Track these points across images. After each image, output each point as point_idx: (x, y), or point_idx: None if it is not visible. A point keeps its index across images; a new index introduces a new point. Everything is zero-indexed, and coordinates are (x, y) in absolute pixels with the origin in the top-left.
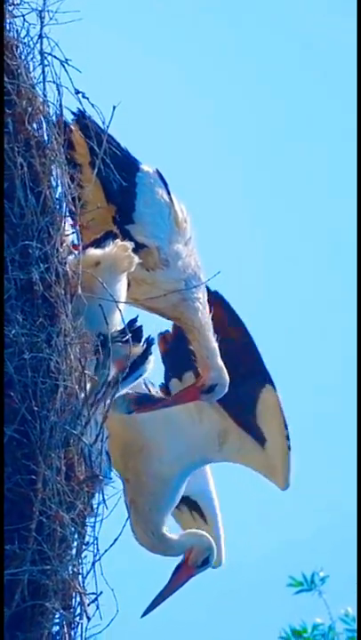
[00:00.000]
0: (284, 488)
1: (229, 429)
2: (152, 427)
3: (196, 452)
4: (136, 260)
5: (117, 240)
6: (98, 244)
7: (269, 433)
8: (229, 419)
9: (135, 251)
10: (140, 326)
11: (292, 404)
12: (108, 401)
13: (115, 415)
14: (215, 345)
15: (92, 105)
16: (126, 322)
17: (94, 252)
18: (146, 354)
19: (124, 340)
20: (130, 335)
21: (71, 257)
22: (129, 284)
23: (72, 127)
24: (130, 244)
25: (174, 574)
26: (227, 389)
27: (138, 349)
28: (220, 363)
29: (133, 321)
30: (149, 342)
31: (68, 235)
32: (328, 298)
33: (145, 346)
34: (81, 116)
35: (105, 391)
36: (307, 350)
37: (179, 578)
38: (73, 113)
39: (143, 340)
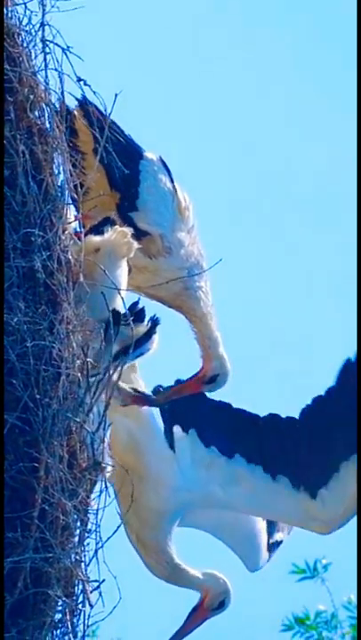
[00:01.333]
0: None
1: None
2: (156, 458)
3: (196, 493)
4: (135, 245)
5: (116, 226)
6: (96, 230)
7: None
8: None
9: (138, 238)
10: (143, 307)
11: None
12: (111, 388)
13: (120, 438)
14: (218, 334)
15: (94, 92)
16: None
17: (94, 238)
18: (150, 332)
19: (127, 322)
20: (132, 317)
21: (73, 244)
22: (130, 271)
23: (75, 114)
24: (129, 230)
25: (190, 616)
26: (229, 379)
27: (142, 329)
28: (223, 352)
29: (135, 304)
30: (154, 322)
31: (70, 222)
32: (330, 286)
33: (149, 324)
34: (84, 103)
35: (107, 377)
36: (305, 341)
37: (194, 620)
38: (76, 99)
39: (147, 319)
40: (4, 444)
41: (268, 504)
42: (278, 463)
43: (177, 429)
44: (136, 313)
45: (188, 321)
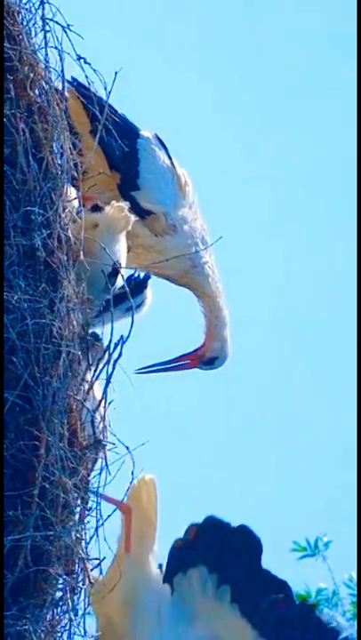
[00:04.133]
0: None
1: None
2: (142, 622)
3: None
4: (132, 218)
5: (113, 202)
6: (94, 209)
7: None
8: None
9: (142, 217)
10: (142, 278)
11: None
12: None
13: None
14: (226, 313)
15: (94, 70)
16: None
17: (92, 214)
18: (141, 286)
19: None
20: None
21: (72, 222)
22: (129, 250)
23: (68, 95)
24: (126, 204)
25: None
26: (226, 362)
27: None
28: (227, 335)
29: (131, 275)
30: (146, 277)
31: (70, 200)
32: (335, 271)
33: (143, 279)
34: (77, 84)
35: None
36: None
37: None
38: (68, 82)
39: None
40: (4, 422)
41: None
42: None
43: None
44: (136, 284)
45: (196, 297)
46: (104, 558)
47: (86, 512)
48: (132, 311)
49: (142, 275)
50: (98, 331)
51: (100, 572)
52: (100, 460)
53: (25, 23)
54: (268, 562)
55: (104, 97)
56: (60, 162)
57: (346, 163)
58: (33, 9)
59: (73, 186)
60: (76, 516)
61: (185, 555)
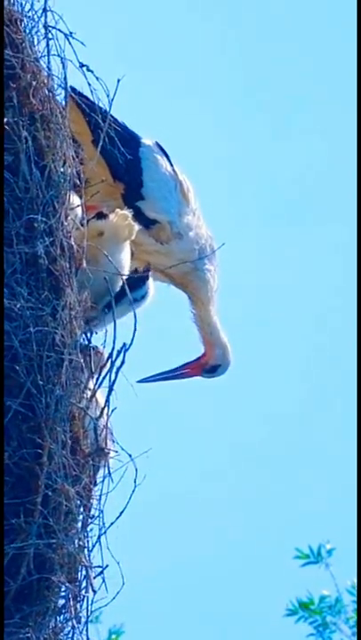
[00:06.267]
0: None
1: None
2: None
3: None
4: (136, 227)
5: (117, 209)
6: (99, 216)
7: None
8: None
9: (147, 227)
10: (142, 270)
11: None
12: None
13: None
14: (216, 319)
15: (97, 78)
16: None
17: (97, 222)
18: (143, 278)
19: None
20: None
21: (75, 230)
22: (132, 256)
23: (69, 104)
24: (129, 212)
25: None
26: (228, 369)
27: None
28: (224, 339)
29: (134, 271)
30: (146, 270)
31: (72, 208)
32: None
33: (143, 271)
34: (79, 93)
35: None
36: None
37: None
38: (70, 90)
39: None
40: (7, 430)
41: None
42: None
43: None
44: (136, 279)
45: (189, 301)
46: (107, 566)
47: (89, 520)
48: (132, 305)
49: (142, 268)
50: (99, 330)
51: (103, 580)
52: (102, 468)
53: (27, 31)
54: (272, 569)
55: (106, 104)
56: (62, 169)
57: (346, 161)
58: (35, 17)
59: (75, 193)
60: (79, 524)
61: None
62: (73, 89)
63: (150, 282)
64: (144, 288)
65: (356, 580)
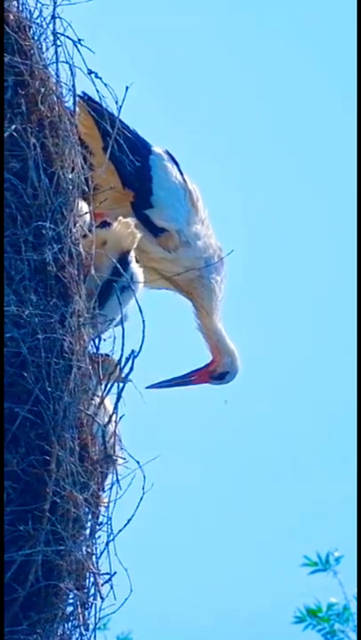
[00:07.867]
0: None
1: None
2: None
3: None
4: (139, 236)
5: (120, 218)
6: (104, 225)
7: None
8: None
9: (155, 235)
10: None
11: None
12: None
13: None
14: (220, 326)
15: (105, 85)
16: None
17: (101, 231)
18: (124, 262)
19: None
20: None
21: (83, 237)
22: (138, 261)
23: (79, 110)
24: (133, 220)
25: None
26: (236, 376)
27: None
28: (232, 346)
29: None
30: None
31: (81, 215)
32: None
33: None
34: (89, 99)
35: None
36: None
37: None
38: (80, 96)
39: None
40: (11, 436)
41: None
42: None
43: None
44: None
45: (193, 310)
46: (115, 573)
47: (97, 527)
48: (119, 295)
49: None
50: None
51: (111, 587)
52: (110, 475)
53: (36, 38)
54: (280, 576)
55: (115, 111)
56: (70, 176)
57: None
58: (44, 24)
59: (84, 200)
60: (87, 531)
61: None
62: (85, 95)
63: (134, 264)
64: (129, 270)
65: (356, 590)
